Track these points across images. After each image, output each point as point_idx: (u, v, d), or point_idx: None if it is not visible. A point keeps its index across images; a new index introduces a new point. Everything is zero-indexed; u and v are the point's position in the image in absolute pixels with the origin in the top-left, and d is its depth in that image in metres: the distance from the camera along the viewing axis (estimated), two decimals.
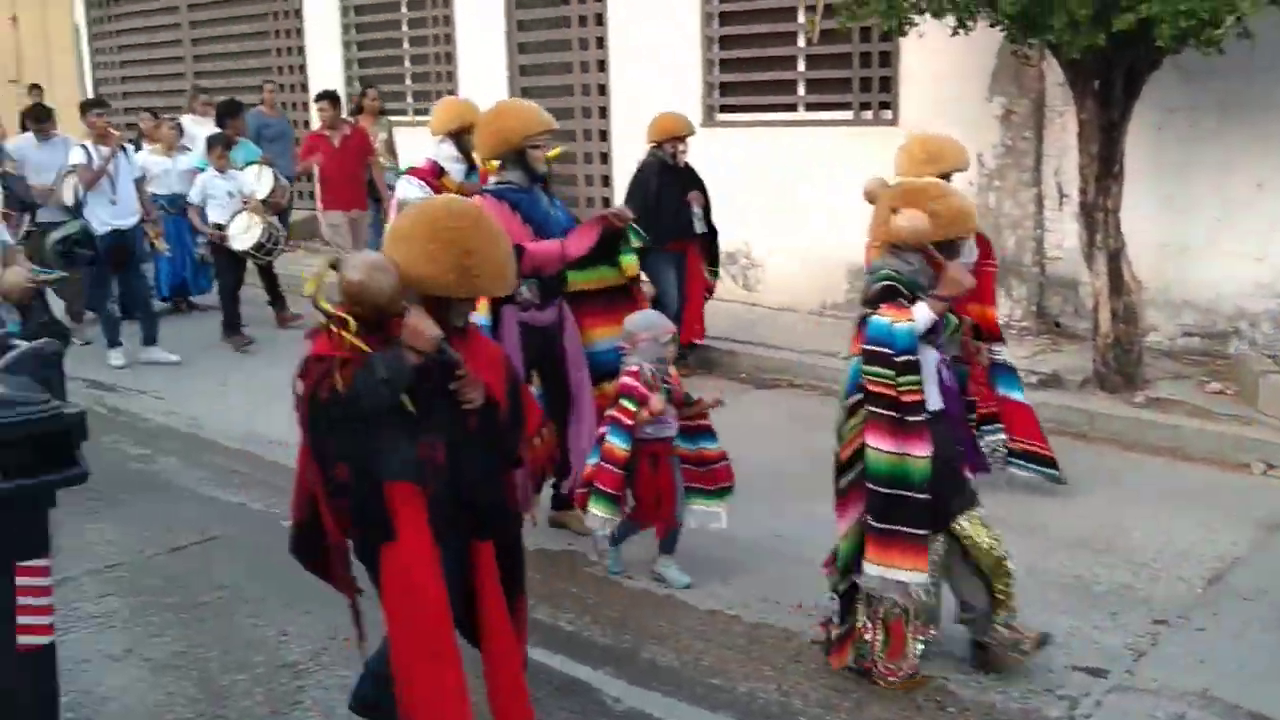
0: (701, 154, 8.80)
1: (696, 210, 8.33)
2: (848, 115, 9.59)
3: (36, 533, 2.79)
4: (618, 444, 4.71)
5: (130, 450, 6.94)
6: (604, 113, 11.18)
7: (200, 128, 11.49)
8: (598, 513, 4.74)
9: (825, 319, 9.55)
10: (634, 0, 10.73)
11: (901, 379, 3.81)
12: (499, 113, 5.21)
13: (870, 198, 4.81)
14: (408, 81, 13.13)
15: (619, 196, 9.66)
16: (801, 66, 9.87)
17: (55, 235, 8.80)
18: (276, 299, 10.38)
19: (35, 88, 15.51)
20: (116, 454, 6.76)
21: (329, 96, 10.73)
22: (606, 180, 11.26)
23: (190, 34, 15.79)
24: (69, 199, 9.13)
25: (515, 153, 5.07)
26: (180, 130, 11.34)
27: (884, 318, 3.87)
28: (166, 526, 5.81)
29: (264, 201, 9.86)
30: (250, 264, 9.96)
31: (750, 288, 10.21)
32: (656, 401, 4.72)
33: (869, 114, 9.51)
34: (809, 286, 9.76)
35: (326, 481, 3.19)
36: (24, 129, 10.60)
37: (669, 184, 8.13)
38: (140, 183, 9.37)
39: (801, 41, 9.71)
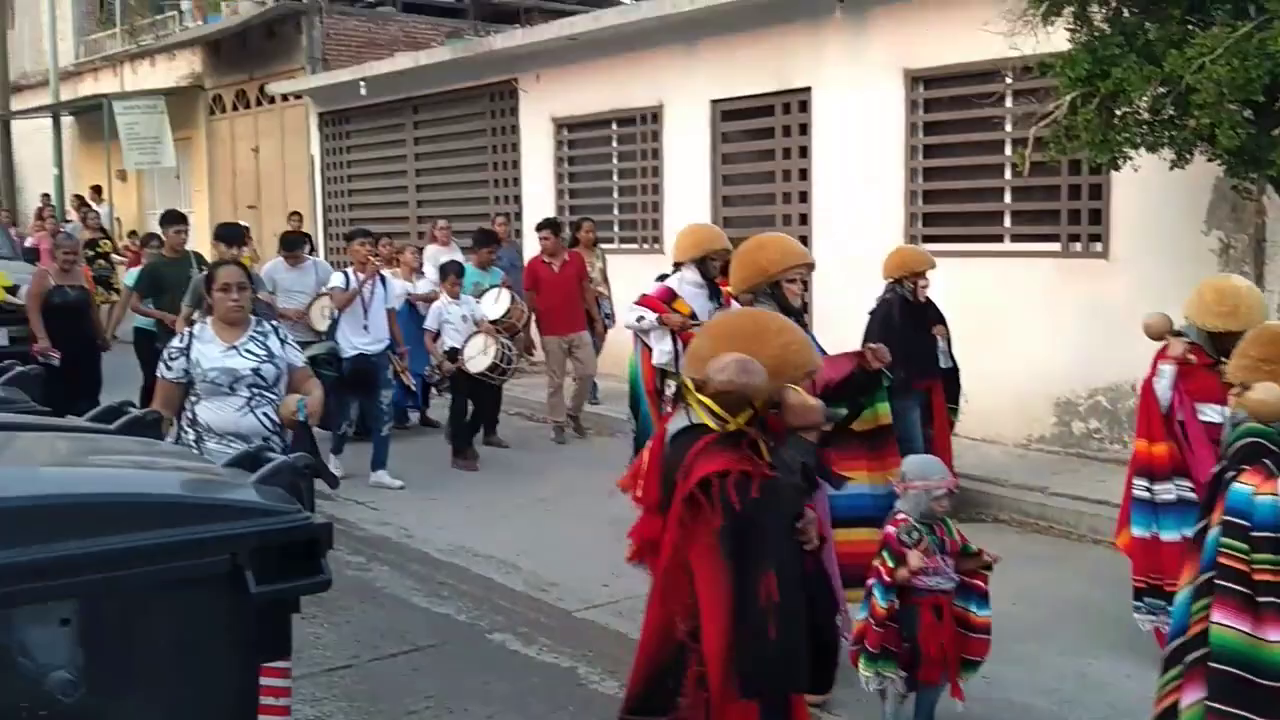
0: None
1: (942, 345, 8.08)
2: (1055, 247, 9.48)
3: (280, 636, 2.96)
4: (879, 600, 4.44)
5: (346, 557, 7.25)
6: (805, 242, 11.33)
7: (443, 254, 11.86)
8: (867, 673, 4.47)
9: (1030, 453, 9.35)
10: (838, 132, 10.94)
11: (1258, 556, 3.39)
12: (759, 245, 5.22)
13: (1153, 333, 4.65)
14: (615, 211, 13.61)
15: (819, 326, 9.72)
16: (1008, 198, 9.85)
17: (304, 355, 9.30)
18: (491, 424, 10.49)
19: (295, 215, 16.79)
20: (333, 560, 7.04)
21: (550, 225, 10.97)
22: (806, 308, 11.33)
23: (415, 165, 16.79)
24: (321, 323, 9.43)
25: (771, 285, 5.05)
26: (421, 256, 11.84)
27: (1246, 485, 3.47)
28: (379, 633, 6.04)
29: (498, 322, 10.09)
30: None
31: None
32: (915, 559, 4.43)
33: (1078, 246, 9.38)
34: (1013, 419, 9.58)
35: (737, 606, 3.05)
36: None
37: (912, 320, 7.83)
38: (392, 312, 9.51)
39: (1009, 173, 9.69)
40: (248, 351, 5.29)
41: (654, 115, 12.87)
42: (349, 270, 9.26)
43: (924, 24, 10.11)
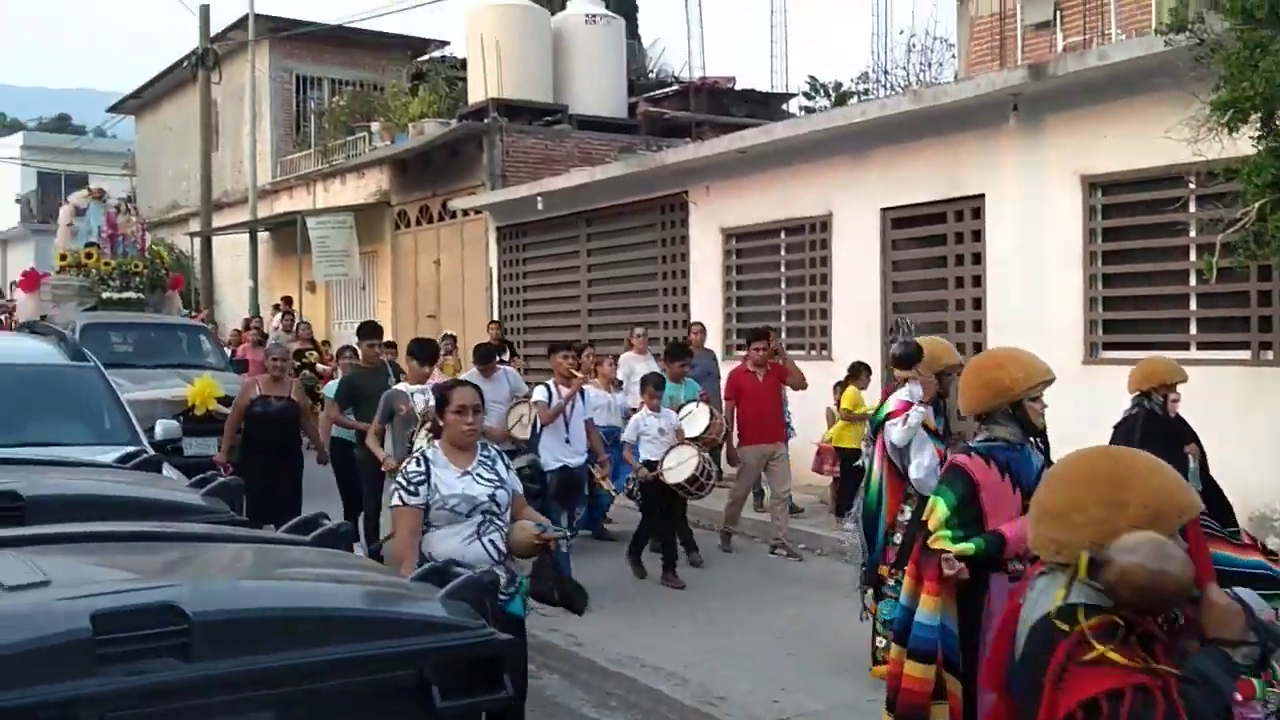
0: (1083, 392, 8.59)
1: (1193, 465, 7.32)
2: (1245, 355, 9.11)
3: None
4: None
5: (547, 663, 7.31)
6: (978, 348, 11.14)
7: (638, 363, 11.77)
8: None
9: None
10: (1012, 238, 10.81)
11: None
12: (997, 363, 4.85)
13: None
14: (783, 319, 13.66)
15: None
16: (1194, 305, 9.53)
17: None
18: (688, 539, 10.12)
19: (494, 324, 16.35)
20: None
21: (763, 335, 10.56)
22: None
23: (587, 275, 17.20)
24: (522, 433, 9.43)
25: (1012, 404, 4.66)
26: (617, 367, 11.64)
27: None
28: None
29: (696, 440, 9.77)
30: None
31: None
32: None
33: (1269, 354, 8.99)
34: None
35: None
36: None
37: (1163, 437, 7.06)
38: (590, 423, 9.43)
39: (1194, 280, 9.40)
40: (481, 477, 4.99)
41: (823, 224, 12.94)
42: (551, 384, 9.21)
43: (1102, 130, 9.98)
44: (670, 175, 14.89)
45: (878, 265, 12.20)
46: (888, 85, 23.29)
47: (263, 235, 25.61)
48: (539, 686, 6.97)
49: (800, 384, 10.47)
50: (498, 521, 4.96)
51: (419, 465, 4.97)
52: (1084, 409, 8.40)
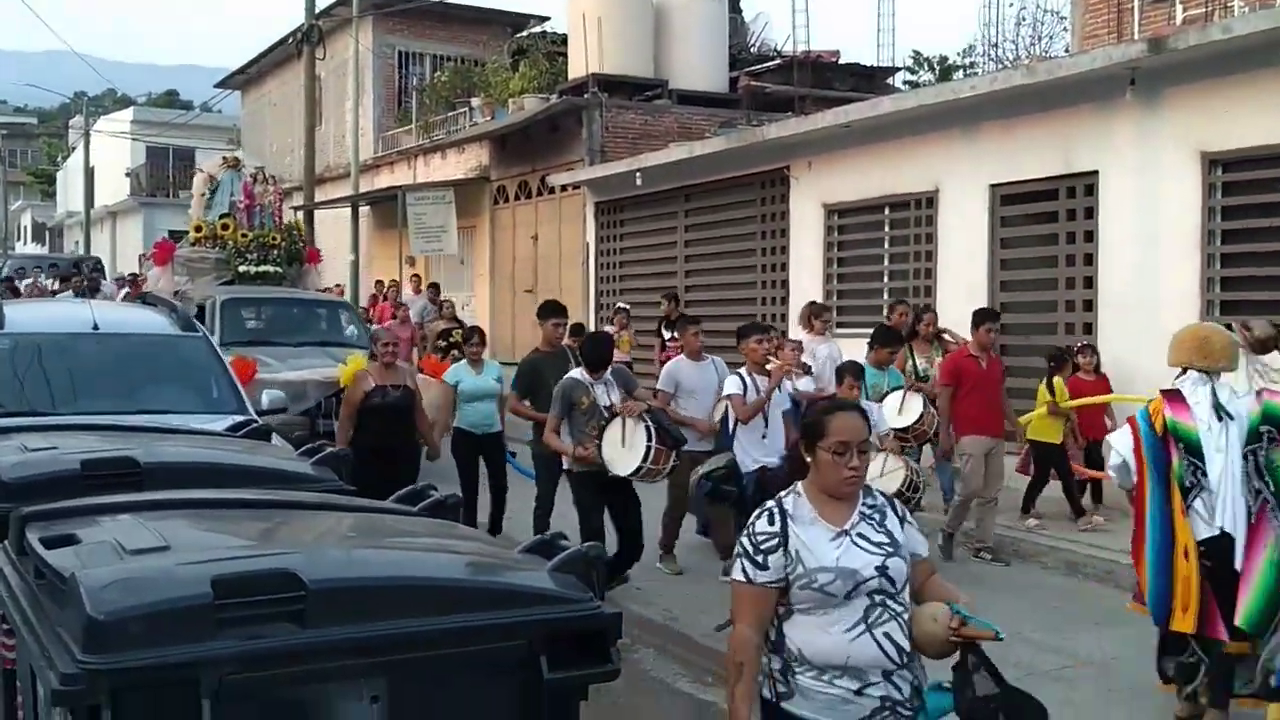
0: None
1: None
2: None
3: None
4: None
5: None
6: (1089, 330, 10.87)
7: (820, 346, 10.45)
8: None
9: None
10: (1127, 216, 10.51)
11: None
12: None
13: None
14: (885, 297, 13.45)
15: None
16: None
17: (701, 471, 7.72)
18: None
19: (670, 297, 15.04)
20: None
21: (993, 316, 9.47)
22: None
23: (685, 251, 17.14)
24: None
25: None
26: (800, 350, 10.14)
27: None
28: (636, 716, 6.06)
29: (905, 431, 8.88)
30: None
31: None
32: None
33: None
34: None
35: None
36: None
37: None
38: (789, 417, 8.20)
39: None
40: (864, 540, 3.32)
41: (929, 200, 12.71)
42: (744, 373, 8.04)
43: (1222, 105, 9.64)
44: (771, 150, 14.74)
45: (986, 243, 11.95)
46: (996, 59, 22.78)
47: (363, 209, 25.96)
48: (635, 660, 6.96)
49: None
50: (894, 605, 3.28)
51: (771, 522, 3.31)
52: None
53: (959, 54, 33.32)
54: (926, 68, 33.39)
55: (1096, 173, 10.79)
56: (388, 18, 26.81)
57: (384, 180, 25.48)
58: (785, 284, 14.91)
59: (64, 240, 51.74)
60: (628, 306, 14.77)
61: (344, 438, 7.95)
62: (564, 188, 19.63)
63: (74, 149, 50.54)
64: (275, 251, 16.06)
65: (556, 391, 7.62)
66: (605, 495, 7.62)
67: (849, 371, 8.65)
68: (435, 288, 19.73)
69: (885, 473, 8.20)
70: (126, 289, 19.61)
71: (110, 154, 43.19)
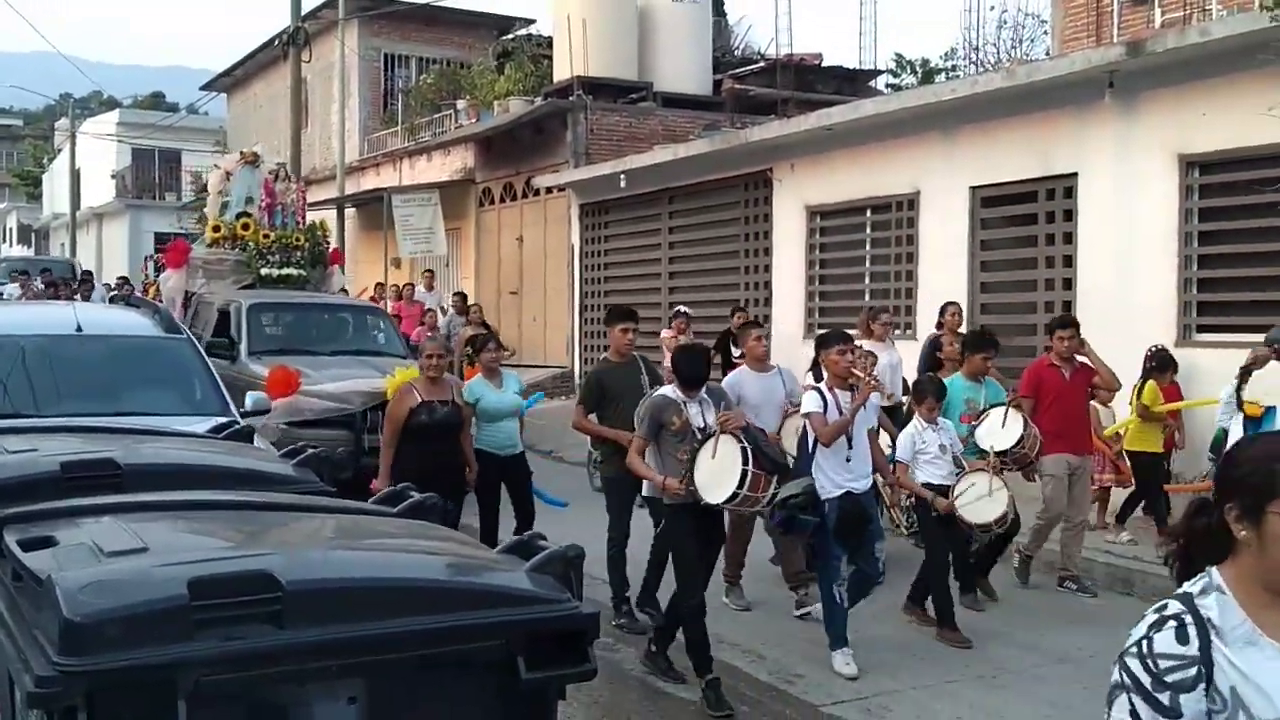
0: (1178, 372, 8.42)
1: None
2: None
3: None
4: None
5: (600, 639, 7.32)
6: None
7: (880, 355, 9.27)
8: None
9: None
10: (1105, 218, 10.58)
11: None
12: None
13: None
14: (866, 298, 13.52)
15: None
16: None
17: (778, 496, 6.51)
18: (968, 583, 7.99)
19: (740, 310, 13.44)
20: None
21: (1069, 324, 8.54)
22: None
23: (669, 253, 17.19)
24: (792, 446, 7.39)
25: None
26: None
27: None
28: (626, 716, 6.09)
29: (1005, 454, 7.75)
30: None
31: None
32: None
33: None
34: None
35: None
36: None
37: None
38: (874, 435, 7.19)
39: None
40: None
41: (910, 202, 12.77)
42: (824, 388, 6.87)
43: (1200, 108, 9.71)
44: (754, 152, 14.79)
45: (966, 245, 12.01)
46: (978, 62, 22.89)
47: (349, 211, 25.94)
48: (617, 660, 6.98)
49: (1113, 387, 8.68)
50: None
51: (1183, 637, 2.10)
52: (1182, 391, 8.24)
53: (941, 57, 33.47)
54: (909, 71, 33.49)
55: (1075, 175, 10.86)
56: (373, 20, 26.79)
57: (369, 182, 25.46)
58: (768, 285, 14.97)
59: (50, 242, 51.50)
60: (688, 310, 13.63)
61: (388, 458, 7.39)
62: (549, 190, 19.66)
63: (60, 151, 50.33)
64: (299, 253, 14.97)
65: (644, 410, 6.59)
66: (700, 529, 6.42)
67: (930, 390, 7.66)
68: (463, 295, 18.48)
69: (983, 495, 7.30)
70: (114, 293, 19.26)
71: (96, 156, 43.00)
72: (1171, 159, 9.99)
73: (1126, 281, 10.27)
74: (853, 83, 22.23)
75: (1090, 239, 10.73)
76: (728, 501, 6.14)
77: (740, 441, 6.10)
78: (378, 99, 27.62)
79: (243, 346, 11.85)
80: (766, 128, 15.13)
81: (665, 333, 13.72)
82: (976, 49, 23.33)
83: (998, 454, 7.64)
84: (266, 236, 14.76)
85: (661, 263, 17.33)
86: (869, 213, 13.51)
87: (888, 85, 28.32)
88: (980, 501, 7.30)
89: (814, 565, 7.41)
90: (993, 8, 44.81)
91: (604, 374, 7.86)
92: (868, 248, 13.63)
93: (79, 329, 7.30)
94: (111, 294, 19.57)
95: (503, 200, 21.72)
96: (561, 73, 20.56)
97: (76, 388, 6.88)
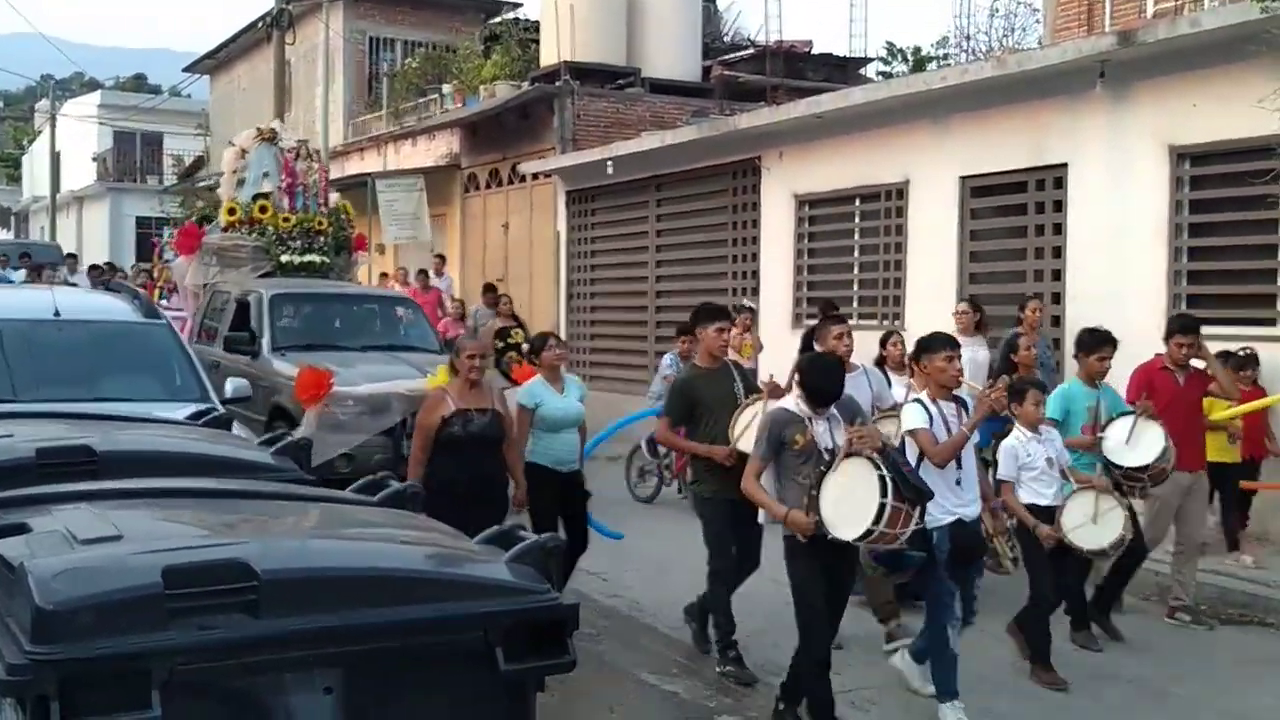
0: None
1: None
2: None
3: (526, 713, 3.01)
4: None
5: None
6: (1057, 322, 10.92)
7: (965, 349, 7.78)
8: None
9: None
10: (1095, 209, 10.56)
11: None
12: None
13: None
14: (855, 288, 13.49)
15: None
16: None
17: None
18: (1081, 618, 7.16)
19: (830, 305, 12.20)
20: None
21: (1189, 329, 7.63)
22: None
23: (656, 241, 17.11)
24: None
25: None
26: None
27: None
28: (608, 708, 6.06)
29: (1138, 472, 6.90)
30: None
31: None
32: None
33: None
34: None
35: None
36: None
37: None
38: (976, 453, 6.18)
39: None
40: None
41: (899, 191, 12.73)
42: (925, 399, 5.90)
43: (1191, 99, 9.69)
44: (743, 140, 14.73)
45: (955, 235, 11.98)
46: (969, 51, 22.85)
47: (333, 196, 25.80)
48: (599, 651, 6.96)
49: (1232, 396, 7.92)
50: None
51: None
52: None
53: (933, 45, 33.44)
54: (900, 59, 33.46)
55: (1066, 165, 10.83)
56: (358, 2, 26.62)
57: (353, 167, 25.31)
58: (756, 274, 14.92)
59: (29, 225, 51.17)
60: (753, 305, 12.50)
61: (416, 472, 6.43)
62: (535, 176, 19.56)
63: (40, 133, 49.94)
64: (322, 238, 13.79)
65: (764, 426, 5.69)
66: (826, 570, 5.54)
67: (1032, 390, 6.65)
68: (492, 288, 16.88)
69: (1100, 515, 6.51)
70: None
71: (77, 138, 42.75)
72: (1162, 150, 9.97)
73: (1116, 273, 10.26)
74: (843, 70, 22.16)
75: (1080, 230, 10.71)
76: (861, 538, 5.22)
77: (877, 467, 5.16)
78: (362, 82, 27.45)
79: (264, 341, 10.93)
80: (755, 115, 15.06)
81: (731, 331, 13.04)
82: (968, 37, 23.29)
83: (1129, 471, 6.82)
84: (286, 220, 13.60)
85: (649, 250, 17.26)
86: (858, 202, 13.46)
87: (879, 73, 28.31)
88: (1092, 524, 6.47)
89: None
90: None
91: (693, 382, 6.80)
92: (857, 237, 13.58)
93: (57, 314, 7.22)
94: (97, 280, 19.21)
95: (488, 186, 21.62)
96: (549, 57, 20.44)
97: (54, 373, 6.83)
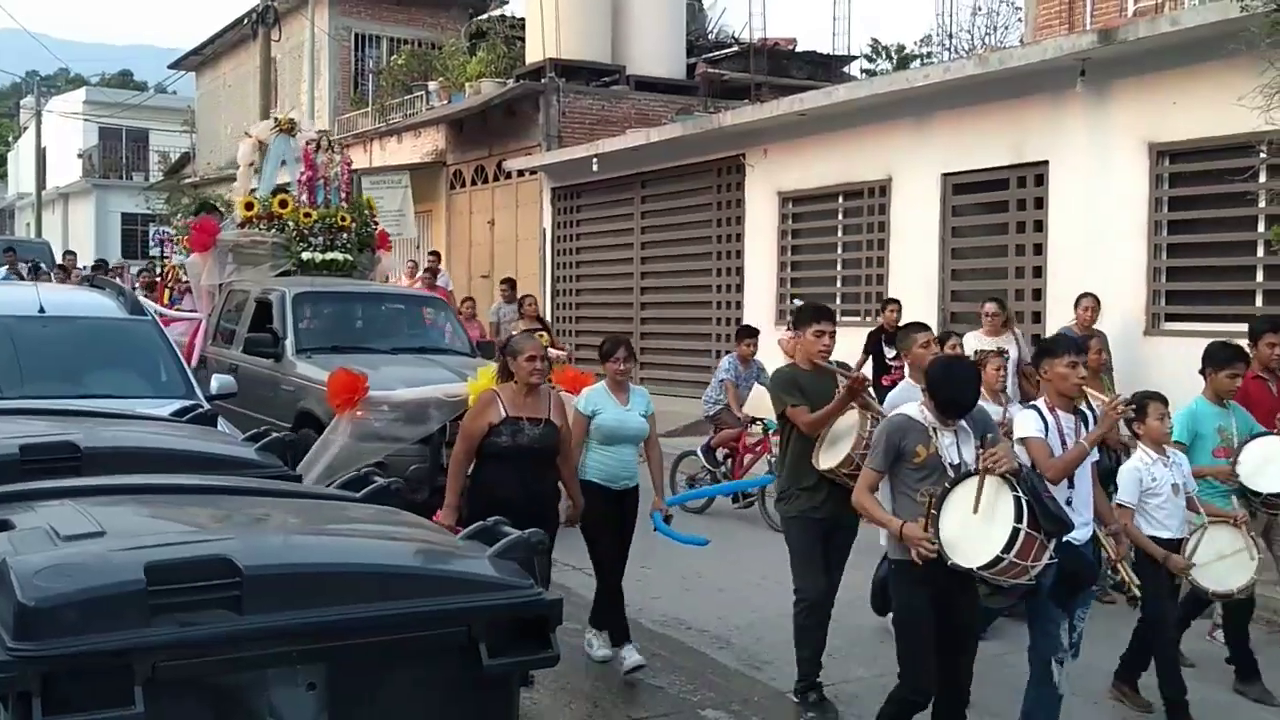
0: (1145, 363, 8.45)
1: None
2: None
3: (509, 708, 3.03)
4: None
5: (563, 624, 7.24)
6: (1037, 318, 10.99)
7: (1012, 349, 8.20)
8: None
9: None
10: (1076, 206, 10.63)
11: None
12: None
13: None
14: (838, 284, 13.54)
15: None
16: (1260, 276, 9.34)
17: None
18: (1249, 666, 6.24)
19: (894, 303, 11.57)
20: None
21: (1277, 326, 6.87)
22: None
23: (641, 238, 17.14)
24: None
25: None
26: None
27: None
28: (593, 702, 6.08)
29: (1267, 499, 6.11)
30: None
31: None
32: None
33: None
34: None
35: None
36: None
37: None
38: (1094, 470, 5.40)
39: (1261, 251, 9.20)
40: None
41: (882, 188, 12.79)
42: (1041, 405, 5.26)
43: (1170, 97, 9.77)
44: (727, 137, 14.76)
45: (937, 231, 12.05)
46: (952, 49, 22.93)
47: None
48: (582, 645, 6.97)
49: None
50: None
51: None
52: (1146, 380, 8.27)
53: (916, 43, 33.49)
54: (884, 57, 33.52)
55: (1047, 163, 10.91)
56: None
57: None
58: (740, 271, 14.96)
59: (15, 222, 50.94)
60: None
61: (456, 485, 5.87)
62: (520, 173, 19.58)
63: (25, 129, 49.73)
64: (345, 235, 12.89)
65: (882, 432, 5.02)
66: (942, 600, 4.79)
67: (1155, 405, 5.82)
68: (511, 282, 15.97)
69: (1232, 553, 5.74)
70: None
71: (62, 135, 42.56)
72: (1142, 147, 10.05)
73: (1096, 269, 10.32)
74: (827, 68, 22.22)
75: (1061, 227, 10.78)
76: (987, 568, 4.54)
77: (1014, 489, 4.55)
78: (348, 79, 27.40)
79: (288, 343, 10.13)
80: (740, 112, 15.11)
81: (784, 334, 11.56)
82: (950, 35, 23.38)
83: (1269, 498, 6.09)
84: (307, 215, 12.71)
85: (634, 247, 17.30)
86: (841, 199, 13.52)
87: (863, 71, 28.36)
88: (1222, 562, 5.69)
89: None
90: None
91: (795, 374, 6.03)
92: (840, 234, 13.64)
93: (42, 310, 7.21)
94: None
95: (474, 183, 21.62)
96: (534, 55, 20.45)
97: (39, 370, 6.81)
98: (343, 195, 13.42)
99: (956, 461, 4.82)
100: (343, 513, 3.54)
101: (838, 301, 13.48)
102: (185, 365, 7.60)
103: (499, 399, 5.84)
